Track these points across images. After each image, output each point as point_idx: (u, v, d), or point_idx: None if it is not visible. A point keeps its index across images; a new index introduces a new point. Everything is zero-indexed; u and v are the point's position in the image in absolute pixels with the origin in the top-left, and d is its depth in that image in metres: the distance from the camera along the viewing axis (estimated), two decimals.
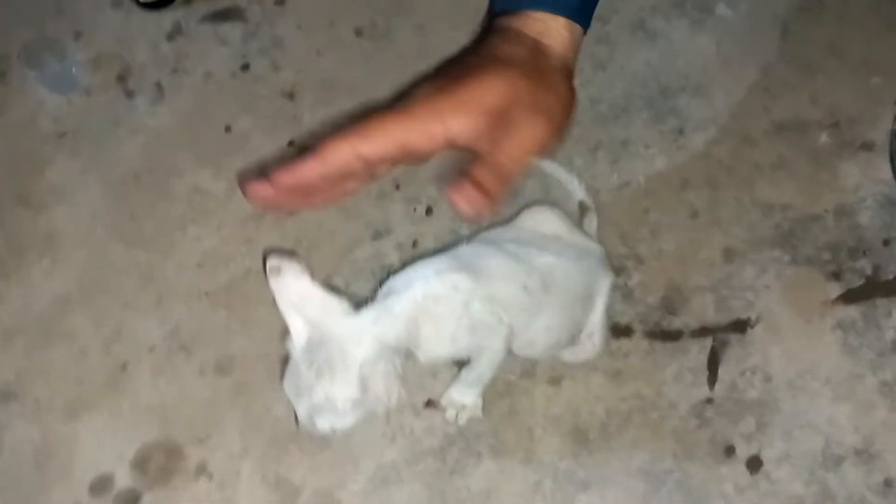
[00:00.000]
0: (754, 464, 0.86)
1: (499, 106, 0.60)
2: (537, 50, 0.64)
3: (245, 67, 1.20)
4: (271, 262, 0.72)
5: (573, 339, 0.89)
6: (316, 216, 1.07)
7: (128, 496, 0.89)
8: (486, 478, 0.87)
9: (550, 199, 1.01)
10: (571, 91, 0.67)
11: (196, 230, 1.06)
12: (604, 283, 0.90)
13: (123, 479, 0.90)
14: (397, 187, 1.08)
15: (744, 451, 0.87)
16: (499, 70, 0.61)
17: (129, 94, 1.18)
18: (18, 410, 0.95)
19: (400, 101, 0.60)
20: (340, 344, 0.70)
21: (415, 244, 1.03)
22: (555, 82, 0.64)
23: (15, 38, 1.25)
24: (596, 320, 0.90)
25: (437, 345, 0.77)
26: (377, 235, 1.04)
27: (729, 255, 0.99)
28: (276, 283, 0.72)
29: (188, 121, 1.16)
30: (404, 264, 0.99)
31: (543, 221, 0.91)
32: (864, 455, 0.85)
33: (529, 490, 0.86)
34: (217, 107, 1.16)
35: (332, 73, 1.19)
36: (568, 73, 0.67)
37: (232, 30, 1.23)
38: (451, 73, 0.61)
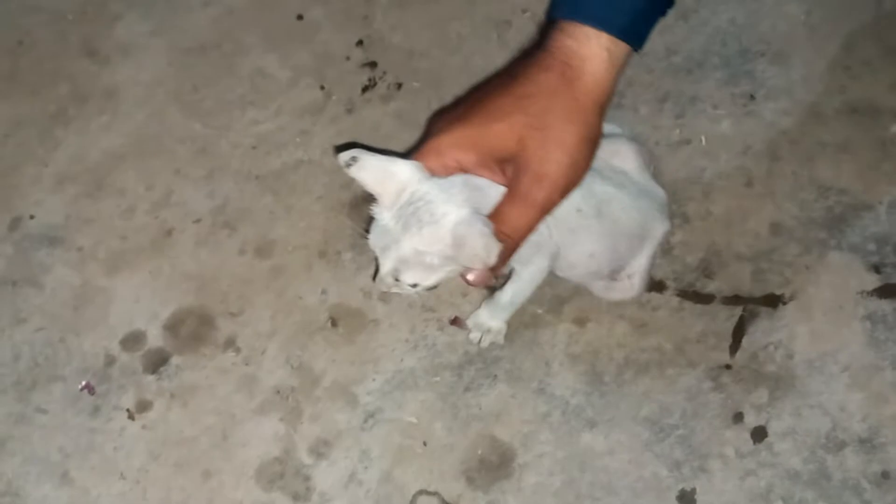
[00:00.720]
0: (759, 434, 0.88)
1: (507, 154, 0.69)
2: (565, 80, 0.67)
3: None
4: (343, 156, 0.72)
5: (613, 274, 0.91)
6: (374, 118, 1.07)
7: (157, 355, 0.93)
8: (498, 400, 0.90)
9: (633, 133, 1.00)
10: (594, 126, 0.70)
11: (254, 112, 1.07)
12: (658, 230, 0.91)
13: (155, 339, 0.94)
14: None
15: (751, 420, 0.89)
16: (513, 117, 0.67)
17: None
18: (62, 255, 0.98)
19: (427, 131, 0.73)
20: (428, 202, 0.70)
21: None
22: (574, 121, 0.68)
23: None
24: (640, 263, 0.91)
25: None
26: None
27: (776, 228, 0.99)
28: (356, 171, 0.72)
29: (262, 1, 1.15)
30: None
31: (617, 153, 0.90)
32: (867, 444, 0.87)
33: (538, 419, 0.89)
34: None
35: None
36: (595, 107, 0.69)
37: None
38: (473, 108, 0.70)
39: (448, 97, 1.08)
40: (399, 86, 1.09)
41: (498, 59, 1.10)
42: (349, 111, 1.07)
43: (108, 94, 1.08)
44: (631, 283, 0.91)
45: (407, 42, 1.12)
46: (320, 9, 1.15)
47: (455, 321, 0.95)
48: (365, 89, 1.09)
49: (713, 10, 1.12)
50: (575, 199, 0.80)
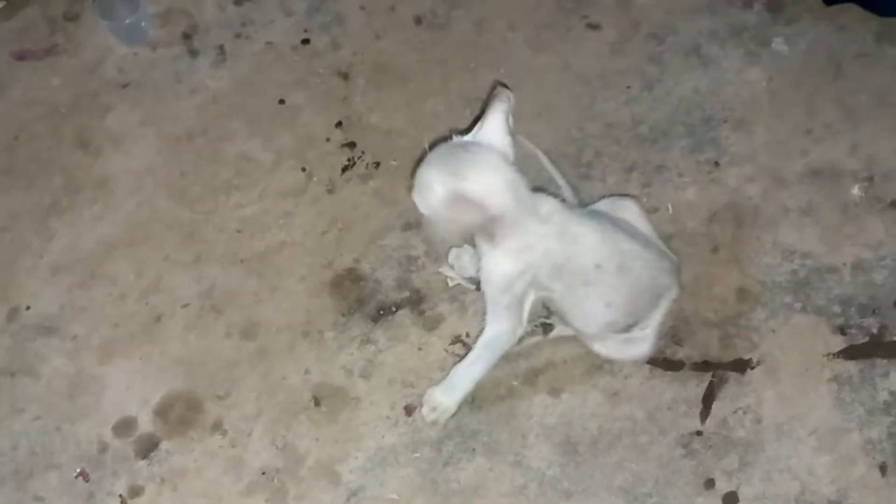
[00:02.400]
0: (731, 499, 0.91)
1: None
2: None
3: (305, 42, 1.23)
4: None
5: (628, 328, 0.94)
6: (354, 197, 1.11)
7: (148, 440, 0.96)
8: (476, 474, 0.93)
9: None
10: None
11: (239, 196, 1.12)
12: (671, 292, 0.95)
13: (146, 424, 0.97)
14: None
15: (723, 486, 0.91)
16: None
17: (193, 54, 1.23)
18: (58, 345, 1.03)
19: None
20: None
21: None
22: None
23: None
24: (655, 318, 0.95)
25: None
26: (407, 226, 1.09)
27: (742, 294, 1.02)
28: None
29: (245, 88, 1.20)
30: (430, 258, 1.05)
31: (625, 209, 0.97)
32: None
33: (515, 491, 0.92)
34: (274, 78, 1.21)
35: (387, 57, 1.22)
36: None
37: (298, 1, 1.27)
38: None
39: None
40: (377, 164, 1.14)
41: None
42: (330, 191, 1.12)
43: (99, 184, 1.14)
44: (644, 336, 0.95)
45: (385, 121, 1.17)
46: (301, 92, 1.20)
47: (408, 408, 0.98)
48: (345, 169, 1.14)
49: (677, 80, 1.17)
50: (594, 255, 0.88)
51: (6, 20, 1.27)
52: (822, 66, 1.17)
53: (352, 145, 1.15)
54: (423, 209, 0.85)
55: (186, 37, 1.24)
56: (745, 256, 1.04)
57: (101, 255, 1.09)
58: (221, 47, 1.23)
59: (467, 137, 0.87)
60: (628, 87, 1.17)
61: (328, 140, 1.16)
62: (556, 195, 0.92)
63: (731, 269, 1.03)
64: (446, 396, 0.94)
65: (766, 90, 1.16)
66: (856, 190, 1.07)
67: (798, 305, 1.01)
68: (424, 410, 0.95)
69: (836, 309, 1.00)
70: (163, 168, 1.15)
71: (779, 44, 1.19)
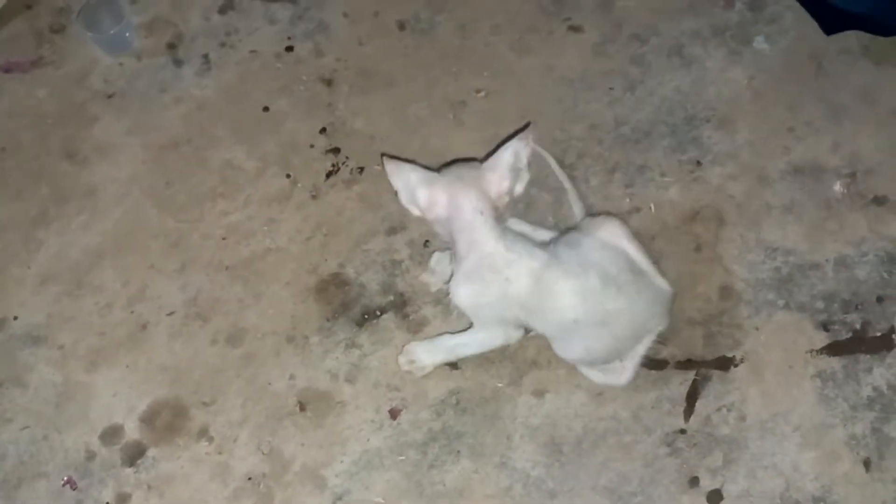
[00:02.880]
0: (715, 497, 0.91)
1: None
2: None
3: (289, 49, 1.24)
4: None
5: (608, 362, 0.95)
6: (338, 202, 1.12)
7: (134, 448, 0.97)
8: (461, 476, 0.93)
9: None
10: None
11: (224, 204, 1.12)
12: (657, 326, 0.95)
13: (132, 431, 0.98)
14: None
15: (707, 484, 0.91)
16: None
17: (178, 63, 1.24)
18: (45, 354, 1.03)
19: None
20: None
21: (426, 244, 1.08)
22: None
23: None
24: (636, 353, 0.95)
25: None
26: (392, 231, 1.09)
27: (725, 292, 1.02)
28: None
29: (230, 96, 1.21)
30: (414, 262, 1.06)
31: (613, 234, 0.94)
32: (821, 503, 0.89)
33: (500, 493, 0.92)
34: (258, 85, 1.21)
35: (370, 63, 1.23)
36: None
37: (281, 9, 1.28)
38: None
39: None
40: (361, 170, 1.14)
41: (455, 138, 1.15)
42: (314, 197, 1.12)
43: (86, 193, 1.14)
44: (623, 368, 0.95)
45: (368, 127, 1.17)
46: (285, 99, 1.20)
47: (393, 412, 0.98)
48: (329, 175, 1.14)
49: (659, 80, 1.17)
50: (572, 312, 0.89)
51: None
52: (804, 63, 1.17)
53: (336, 151, 1.16)
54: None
55: (171, 46, 1.25)
56: (728, 254, 1.04)
57: (87, 265, 1.09)
58: (206, 56, 1.24)
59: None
60: (611, 89, 1.17)
61: (312, 146, 1.16)
62: (542, 246, 0.92)
63: (715, 267, 1.04)
64: (427, 356, 0.97)
65: (749, 88, 1.16)
66: (838, 186, 1.07)
67: (781, 302, 1.01)
68: (401, 359, 0.97)
69: (820, 305, 1.00)
70: (148, 177, 1.15)
71: (760, 42, 1.19)
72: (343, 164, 1.15)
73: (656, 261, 0.96)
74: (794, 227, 1.05)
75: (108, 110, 1.21)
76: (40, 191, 1.15)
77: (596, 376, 0.97)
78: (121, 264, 1.09)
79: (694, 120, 1.14)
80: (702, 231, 1.06)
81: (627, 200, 1.09)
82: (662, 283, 0.95)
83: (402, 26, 1.25)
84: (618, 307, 0.90)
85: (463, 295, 0.89)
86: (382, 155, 0.96)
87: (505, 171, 0.88)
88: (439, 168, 0.92)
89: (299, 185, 1.14)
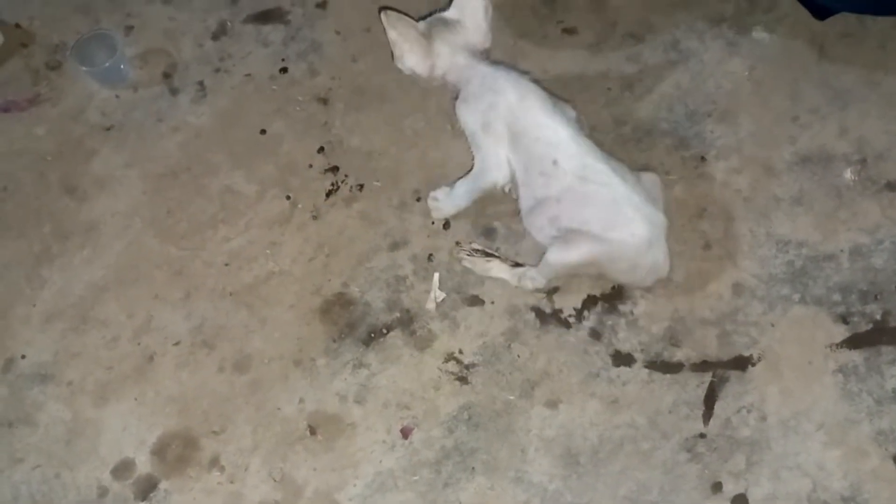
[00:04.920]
0: (740, 501, 0.88)
1: None
2: None
3: (283, 70, 1.23)
4: None
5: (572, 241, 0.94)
6: (339, 221, 1.11)
7: (146, 482, 0.96)
8: (477, 493, 0.91)
9: None
10: None
11: (225, 230, 1.12)
12: (638, 235, 0.93)
13: (143, 465, 0.97)
14: (418, 199, 1.11)
15: (731, 489, 0.89)
16: None
17: (174, 92, 1.24)
18: (53, 391, 1.03)
19: None
20: None
21: (430, 257, 1.06)
22: None
23: (72, 26, 1.31)
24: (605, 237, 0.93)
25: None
26: (394, 246, 1.08)
27: (738, 289, 0.99)
28: None
29: (226, 121, 1.20)
30: (418, 277, 1.04)
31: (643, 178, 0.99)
32: (851, 503, 0.86)
33: None
34: (254, 109, 1.21)
35: (364, 79, 1.22)
36: None
37: (274, 31, 1.27)
38: None
39: (408, 192, 1.12)
40: (361, 187, 1.13)
41: (453, 149, 1.14)
42: (315, 217, 1.11)
43: (88, 228, 1.14)
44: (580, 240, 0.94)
45: (366, 143, 1.16)
46: (282, 121, 1.20)
47: (404, 431, 0.96)
48: (329, 194, 1.13)
49: (657, 77, 1.15)
50: (555, 152, 0.94)
51: None
52: (805, 49, 1.15)
53: (335, 169, 1.15)
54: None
55: (166, 76, 1.25)
56: (739, 250, 1.02)
57: (92, 299, 1.09)
58: (201, 83, 1.24)
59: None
60: (608, 89, 1.15)
61: (311, 166, 1.16)
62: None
63: (725, 264, 1.01)
64: (447, 201, 1.06)
65: (749, 79, 1.14)
66: (848, 174, 1.04)
67: (796, 297, 0.98)
68: (430, 202, 1.08)
69: (837, 297, 0.97)
70: (149, 207, 1.15)
71: (758, 31, 1.17)
72: (342, 182, 1.14)
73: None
74: (804, 219, 1.03)
75: (106, 143, 1.21)
76: (42, 228, 1.14)
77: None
78: (125, 296, 1.08)
79: (695, 115, 1.12)
80: (710, 228, 1.04)
81: None
82: (658, 212, 0.95)
83: None
84: (597, 167, 0.93)
85: (463, 111, 1.00)
86: (381, 10, 1.01)
87: (482, 21, 1.01)
88: (418, 19, 1.04)
89: (299, 206, 1.13)
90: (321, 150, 1.17)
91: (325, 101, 1.21)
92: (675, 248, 1.02)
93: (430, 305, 1.03)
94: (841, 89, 1.10)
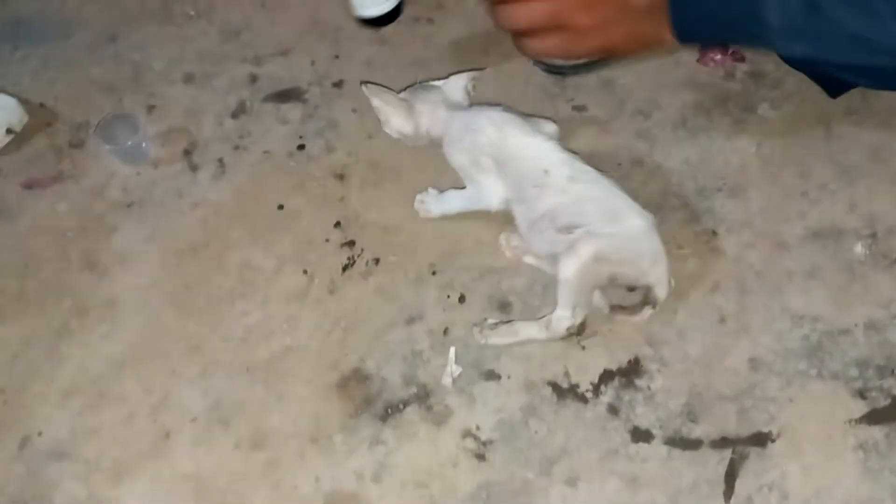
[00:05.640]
0: None
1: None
2: None
3: (301, 147, 1.27)
4: None
5: (570, 228, 1.00)
6: (356, 296, 1.12)
7: None
8: None
9: None
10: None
11: (243, 305, 1.13)
12: (634, 228, 1.00)
13: None
14: (433, 273, 1.12)
15: None
16: None
17: (194, 168, 1.27)
18: (70, 469, 1.02)
19: None
20: None
21: (445, 332, 1.07)
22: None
23: (95, 105, 1.36)
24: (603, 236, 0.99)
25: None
26: (410, 320, 1.09)
27: (755, 364, 1.00)
28: None
29: (245, 197, 1.23)
30: (435, 352, 1.05)
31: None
32: None
33: None
34: (272, 185, 1.24)
35: (380, 156, 1.25)
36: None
37: (292, 110, 1.31)
38: None
39: (424, 266, 1.13)
40: (377, 261, 1.15)
41: (467, 225, 1.15)
42: (332, 292, 1.13)
43: (108, 303, 1.15)
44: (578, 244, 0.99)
45: (382, 218, 1.19)
46: (299, 196, 1.22)
47: None
48: (345, 268, 1.15)
49: (666, 153, 1.18)
50: (544, 163, 1.02)
51: (15, 152, 1.32)
52: (811, 126, 1.17)
53: (351, 244, 1.17)
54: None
55: (187, 153, 1.28)
56: (754, 325, 1.02)
57: (110, 376, 1.09)
58: (221, 160, 1.27)
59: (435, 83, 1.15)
60: (619, 165, 1.18)
61: (327, 241, 1.17)
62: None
63: (741, 338, 1.02)
64: (435, 204, 1.14)
65: (757, 156, 1.16)
66: (859, 248, 1.06)
67: (813, 371, 0.98)
68: (417, 197, 1.15)
69: (854, 372, 0.97)
70: (168, 282, 1.16)
71: (765, 109, 1.20)
72: (358, 256, 1.15)
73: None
74: (818, 293, 1.03)
75: (127, 219, 1.23)
76: (62, 304, 1.16)
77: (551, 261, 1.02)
78: (143, 372, 1.09)
79: (705, 190, 1.14)
80: (724, 302, 1.05)
81: None
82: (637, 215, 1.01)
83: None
84: (584, 168, 1.03)
85: (451, 153, 1.10)
86: (362, 83, 1.16)
87: (462, 89, 1.14)
88: (401, 91, 1.17)
89: (316, 280, 1.14)
90: (338, 224, 1.19)
91: (341, 177, 1.23)
92: (691, 322, 1.03)
93: (447, 380, 1.03)
94: (849, 165, 1.13)
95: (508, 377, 1.03)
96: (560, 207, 1.01)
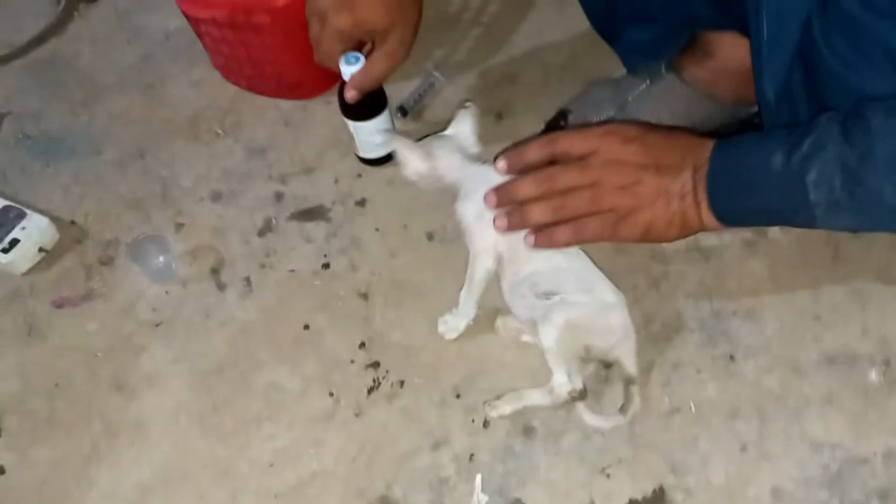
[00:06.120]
0: None
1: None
2: None
3: (325, 266, 1.31)
4: None
5: (548, 294, 1.07)
6: (381, 419, 1.14)
7: None
8: None
9: None
10: None
11: (270, 427, 1.15)
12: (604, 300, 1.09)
13: None
14: (457, 396, 1.15)
15: None
16: None
17: (221, 287, 1.30)
18: None
19: None
20: None
21: (471, 458, 1.09)
22: None
23: (124, 222, 1.40)
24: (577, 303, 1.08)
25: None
26: (436, 445, 1.11)
27: (777, 494, 1.01)
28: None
29: (271, 317, 1.26)
30: (461, 478, 1.07)
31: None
32: None
33: None
34: (298, 304, 1.27)
35: (403, 274, 1.28)
36: None
37: (316, 228, 1.35)
38: None
39: (448, 389, 1.16)
40: (402, 383, 1.17)
41: (490, 343, 1.18)
42: (357, 415, 1.15)
43: (136, 426, 1.17)
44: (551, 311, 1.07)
45: (406, 338, 1.21)
46: (324, 316, 1.25)
47: None
48: (370, 391, 1.17)
49: (682, 276, 1.22)
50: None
51: (46, 270, 1.35)
52: (820, 249, 1.22)
53: (376, 365, 1.19)
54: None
55: (214, 271, 1.32)
56: (775, 452, 1.04)
57: (138, 501, 1.11)
58: (247, 279, 1.30)
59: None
60: (635, 287, 1.21)
61: (353, 361, 1.20)
62: None
63: (763, 466, 1.04)
64: (455, 319, 1.17)
65: (769, 278, 1.20)
66: (873, 375, 1.09)
67: (835, 502, 1.00)
68: (440, 328, 1.20)
69: (875, 503, 0.99)
70: (196, 404, 1.19)
71: (775, 232, 1.24)
72: (383, 378, 1.18)
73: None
74: (836, 420, 1.06)
75: (155, 339, 1.26)
76: (92, 426, 1.18)
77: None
78: (171, 497, 1.10)
79: (721, 313, 1.17)
80: (745, 429, 1.07)
81: (667, 400, 1.10)
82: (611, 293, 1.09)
83: (430, 237, 1.32)
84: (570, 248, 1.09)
85: (461, 207, 1.14)
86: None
87: (470, 132, 1.19)
88: (419, 139, 1.22)
89: (342, 402, 1.16)
90: (362, 345, 1.22)
91: (365, 296, 1.27)
92: (713, 450, 1.05)
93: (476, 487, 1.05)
94: (859, 288, 1.16)
95: None
96: (541, 273, 1.09)
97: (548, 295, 1.08)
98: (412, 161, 1.18)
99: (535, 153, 1.07)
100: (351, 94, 1.25)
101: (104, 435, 1.17)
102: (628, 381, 1.09)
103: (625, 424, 1.07)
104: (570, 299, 1.07)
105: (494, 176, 1.12)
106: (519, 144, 1.10)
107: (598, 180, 1.00)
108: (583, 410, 1.09)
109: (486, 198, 1.07)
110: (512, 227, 1.06)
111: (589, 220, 1.02)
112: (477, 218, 1.12)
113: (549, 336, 1.06)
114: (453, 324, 1.19)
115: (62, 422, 1.19)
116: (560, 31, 1.56)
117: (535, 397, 1.09)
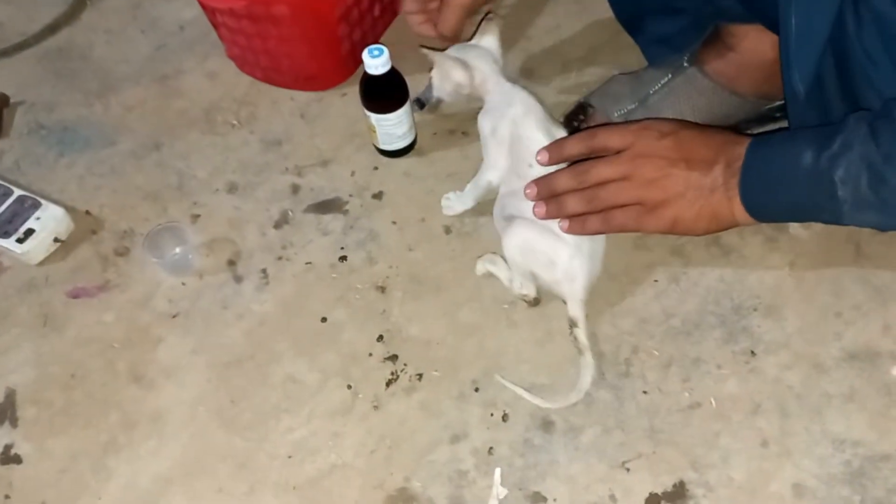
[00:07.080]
0: None
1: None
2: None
3: (343, 259, 1.30)
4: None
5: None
6: (400, 412, 1.14)
7: None
8: None
9: None
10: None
11: (288, 420, 1.15)
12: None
13: None
14: (476, 390, 1.14)
15: None
16: None
17: (238, 279, 1.30)
18: None
19: None
20: None
21: (490, 451, 1.09)
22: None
23: (140, 213, 1.39)
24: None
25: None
26: (455, 439, 1.10)
27: (799, 490, 1.01)
28: None
29: (288, 309, 1.26)
30: (480, 472, 1.06)
31: None
32: None
33: None
34: (315, 296, 1.27)
35: (420, 268, 1.28)
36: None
37: (333, 221, 1.35)
38: None
39: (467, 382, 1.15)
40: (420, 376, 1.17)
41: (509, 339, 1.18)
42: (376, 408, 1.15)
43: (154, 417, 1.17)
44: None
45: (424, 332, 1.21)
46: (342, 309, 1.25)
47: None
48: (389, 384, 1.17)
49: (701, 272, 1.21)
50: (532, 158, 1.13)
51: (61, 260, 1.35)
52: (842, 246, 1.21)
53: (394, 358, 1.19)
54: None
55: (231, 263, 1.32)
56: (796, 449, 1.04)
57: (157, 493, 1.10)
58: (264, 271, 1.30)
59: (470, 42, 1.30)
60: (655, 281, 1.21)
61: (371, 355, 1.20)
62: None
63: (784, 463, 1.03)
64: (458, 202, 1.30)
65: (790, 275, 1.19)
66: (895, 372, 1.08)
67: (857, 499, 1.00)
68: (444, 203, 1.31)
69: None
70: (214, 396, 1.18)
71: (796, 228, 1.24)
72: (402, 371, 1.18)
73: None
74: (857, 417, 1.06)
75: (172, 331, 1.25)
76: (109, 417, 1.18)
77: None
78: (190, 490, 1.10)
79: (741, 309, 1.17)
80: (766, 425, 1.07)
81: (687, 395, 1.10)
82: None
83: (447, 230, 1.31)
84: None
85: (482, 119, 1.22)
86: (421, 47, 1.27)
87: (496, 44, 1.28)
88: (445, 48, 1.29)
89: (360, 395, 1.16)
90: (380, 338, 1.21)
91: (383, 290, 1.26)
92: (734, 446, 1.05)
93: (493, 503, 1.05)
94: (880, 286, 1.16)
95: (554, 500, 1.04)
96: (511, 199, 1.17)
97: (508, 219, 1.17)
98: (454, 71, 1.25)
99: (573, 147, 1.10)
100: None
101: (122, 426, 1.17)
102: (571, 324, 1.14)
103: (581, 398, 1.11)
104: (530, 222, 1.14)
105: (520, 98, 1.19)
106: (560, 140, 1.15)
107: (628, 174, 1.03)
108: (532, 397, 1.12)
109: (526, 190, 1.12)
110: (549, 216, 1.11)
111: (618, 211, 1.06)
112: (492, 132, 1.21)
113: (507, 248, 1.16)
114: (454, 204, 1.30)
115: (79, 412, 1.19)
116: (577, 25, 1.55)
117: (503, 273, 1.21)
